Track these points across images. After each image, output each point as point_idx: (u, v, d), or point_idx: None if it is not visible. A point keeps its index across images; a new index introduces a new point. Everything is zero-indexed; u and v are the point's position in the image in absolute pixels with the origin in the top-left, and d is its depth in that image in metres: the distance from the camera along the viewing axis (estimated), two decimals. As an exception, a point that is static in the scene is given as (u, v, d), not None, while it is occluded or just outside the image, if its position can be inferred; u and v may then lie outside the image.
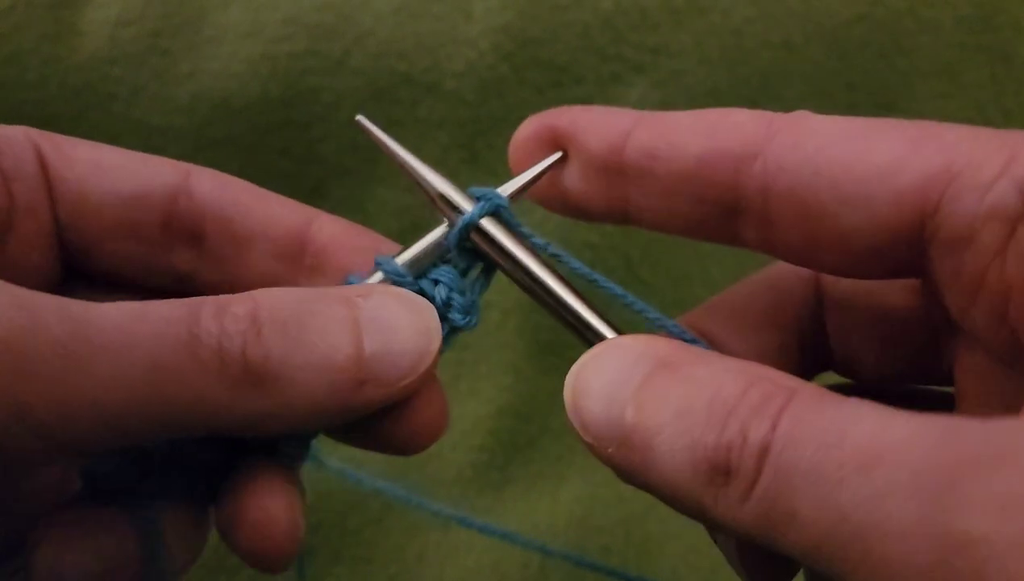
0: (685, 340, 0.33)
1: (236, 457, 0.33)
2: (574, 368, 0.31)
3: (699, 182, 0.32)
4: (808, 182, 0.30)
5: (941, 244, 0.28)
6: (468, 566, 0.58)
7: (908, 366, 0.36)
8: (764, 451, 0.25)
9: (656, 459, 0.27)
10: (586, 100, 0.59)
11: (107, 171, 0.35)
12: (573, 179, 0.34)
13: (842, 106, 0.60)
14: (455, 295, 0.34)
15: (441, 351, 0.34)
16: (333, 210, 0.38)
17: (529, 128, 0.35)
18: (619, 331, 0.33)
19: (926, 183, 0.28)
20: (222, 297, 0.30)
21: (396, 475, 0.59)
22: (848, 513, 0.23)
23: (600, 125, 0.33)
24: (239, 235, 0.36)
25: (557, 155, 0.34)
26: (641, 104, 0.59)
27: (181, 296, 0.30)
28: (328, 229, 0.36)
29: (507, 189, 0.35)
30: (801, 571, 0.35)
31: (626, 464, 0.28)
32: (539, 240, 0.34)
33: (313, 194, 0.60)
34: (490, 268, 0.35)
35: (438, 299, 0.34)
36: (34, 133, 0.35)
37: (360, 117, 0.35)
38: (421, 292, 0.34)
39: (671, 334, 0.33)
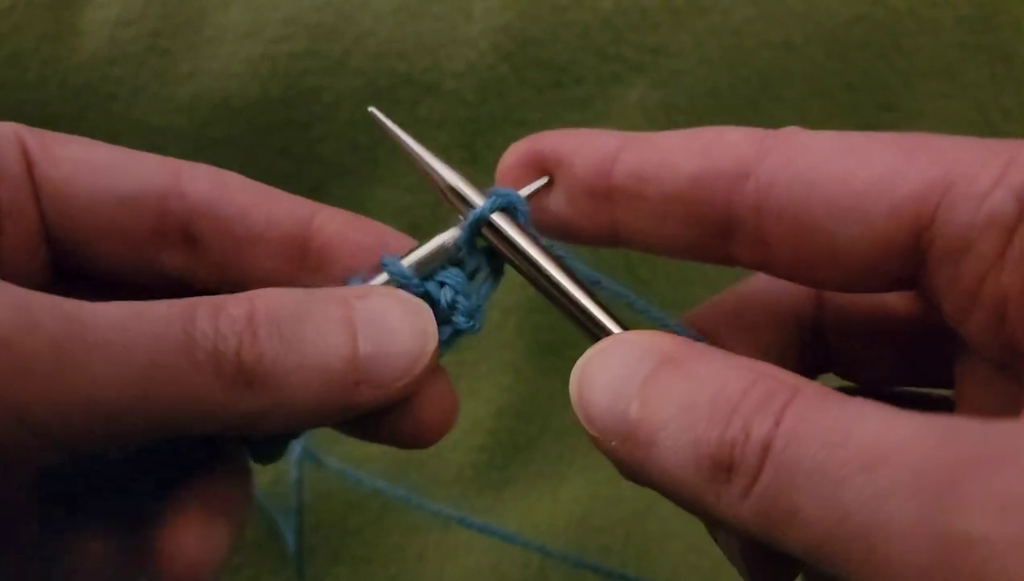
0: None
1: (187, 472, 0.33)
2: (580, 362, 0.31)
3: (690, 203, 0.31)
4: (802, 198, 0.30)
5: (937, 254, 0.28)
6: (468, 566, 0.58)
7: (907, 369, 0.37)
8: (766, 447, 0.25)
9: (659, 454, 0.27)
10: (586, 100, 0.59)
11: (97, 170, 0.35)
12: (560, 203, 0.34)
13: (842, 106, 0.60)
14: (460, 298, 0.34)
15: (442, 354, 0.34)
16: (333, 211, 0.37)
17: (515, 154, 0.35)
18: (625, 327, 0.33)
19: (922, 194, 0.28)
20: (218, 297, 0.30)
21: (396, 475, 0.59)
22: (851, 512, 0.23)
23: (586, 149, 0.33)
24: (238, 236, 0.35)
25: (542, 181, 0.34)
26: (641, 104, 0.59)
27: (178, 297, 0.30)
28: (331, 225, 0.36)
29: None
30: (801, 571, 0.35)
31: (629, 459, 0.29)
32: (545, 240, 0.34)
33: (313, 194, 0.58)
34: (497, 271, 0.35)
35: (443, 301, 0.34)
36: (23, 130, 0.35)
37: (373, 109, 0.35)
38: (426, 294, 0.34)
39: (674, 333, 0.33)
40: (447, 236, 0.35)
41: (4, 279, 0.28)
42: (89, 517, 0.33)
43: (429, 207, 0.60)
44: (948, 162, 0.28)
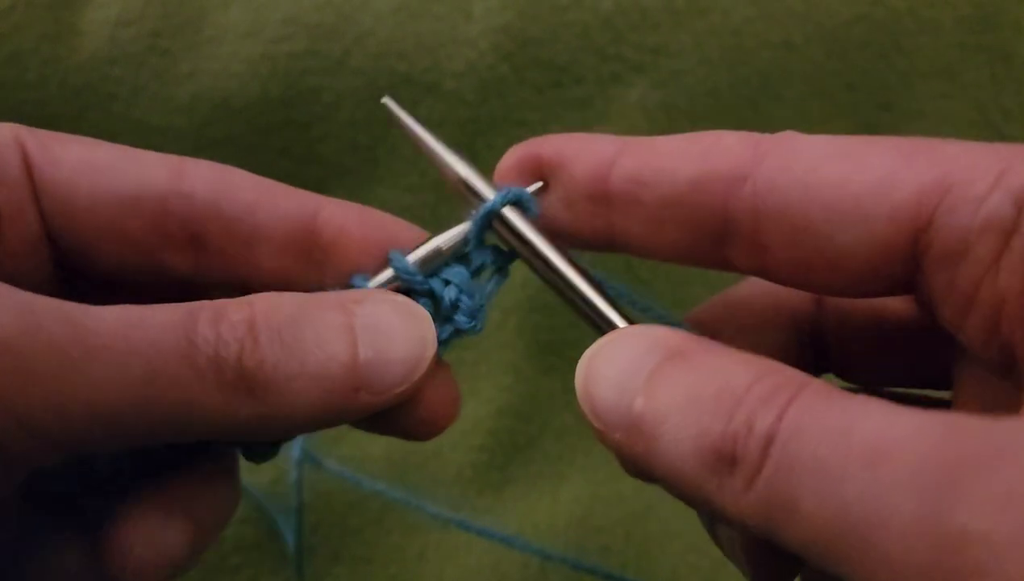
0: None
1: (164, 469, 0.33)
2: (586, 355, 0.31)
3: (688, 207, 0.31)
4: (799, 202, 0.29)
5: (934, 258, 0.28)
6: (468, 566, 0.58)
7: (906, 371, 0.37)
8: (769, 441, 0.25)
9: (662, 446, 0.27)
10: (586, 100, 0.59)
11: (98, 170, 0.34)
12: (557, 208, 0.34)
13: (842, 106, 0.60)
14: (464, 297, 0.34)
15: (441, 353, 0.34)
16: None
17: (512, 158, 0.35)
18: (632, 322, 0.33)
19: (920, 197, 0.28)
20: (219, 302, 0.30)
21: (396, 475, 0.59)
22: (851, 507, 0.23)
23: (584, 153, 0.33)
24: (242, 234, 0.35)
25: (536, 186, 0.34)
26: (641, 104, 0.59)
27: (184, 297, 0.30)
28: (337, 220, 0.35)
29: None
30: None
31: (633, 452, 0.28)
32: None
33: (313, 194, 0.60)
34: (501, 270, 0.35)
35: (446, 299, 0.34)
36: (22, 131, 0.34)
37: (387, 100, 0.35)
38: (431, 291, 0.34)
39: None
40: (456, 231, 0.35)
41: (6, 281, 0.28)
42: (63, 517, 0.33)
43: (429, 207, 0.60)
44: (946, 166, 0.28)
